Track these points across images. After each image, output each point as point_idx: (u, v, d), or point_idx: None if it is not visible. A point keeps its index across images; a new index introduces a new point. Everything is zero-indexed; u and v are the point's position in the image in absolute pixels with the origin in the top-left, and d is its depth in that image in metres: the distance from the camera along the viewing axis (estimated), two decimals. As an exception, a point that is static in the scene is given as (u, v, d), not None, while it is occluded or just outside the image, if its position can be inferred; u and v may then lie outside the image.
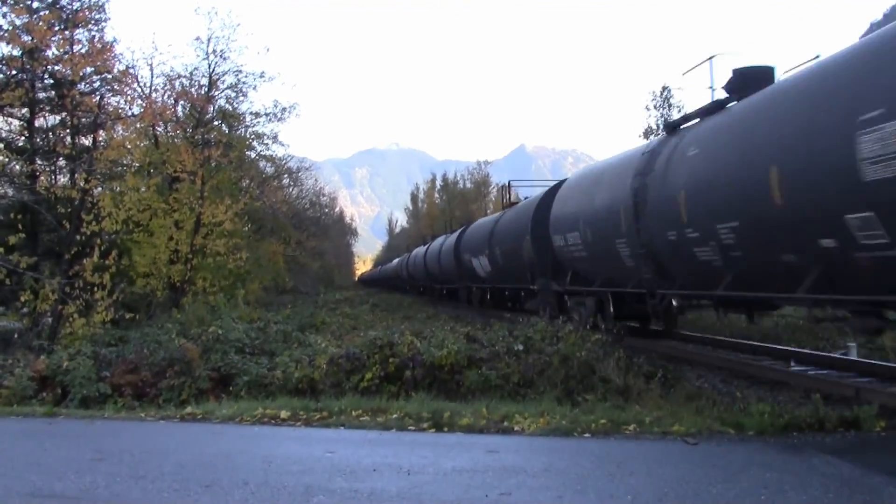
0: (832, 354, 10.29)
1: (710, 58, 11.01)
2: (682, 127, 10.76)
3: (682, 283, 10.21)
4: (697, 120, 10.29)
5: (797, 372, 9.23)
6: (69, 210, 15.24)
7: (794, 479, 4.68)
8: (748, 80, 9.18)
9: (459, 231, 28.59)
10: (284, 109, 26.07)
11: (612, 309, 12.77)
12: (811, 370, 9.32)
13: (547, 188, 17.40)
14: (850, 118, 6.20)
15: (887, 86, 5.96)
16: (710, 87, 10.77)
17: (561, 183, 16.24)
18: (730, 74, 9.60)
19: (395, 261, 65.29)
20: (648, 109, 29.60)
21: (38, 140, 20.20)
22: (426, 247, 38.31)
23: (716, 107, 9.77)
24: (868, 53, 6.68)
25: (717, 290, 9.01)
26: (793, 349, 11.02)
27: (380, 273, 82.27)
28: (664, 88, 29.43)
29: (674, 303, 11.17)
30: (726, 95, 9.62)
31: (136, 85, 21.38)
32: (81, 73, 17.35)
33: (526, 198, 24.15)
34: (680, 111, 29.11)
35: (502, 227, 20.13)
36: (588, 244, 12.75)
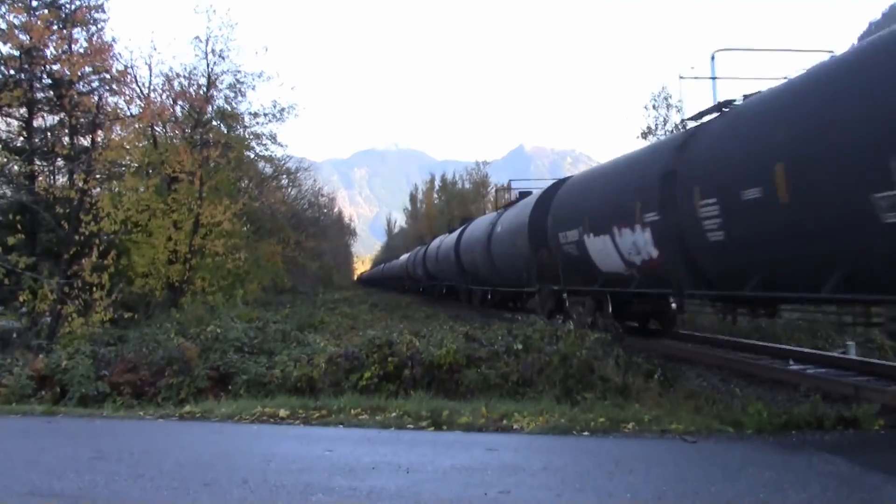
0: (831, 353, 10.30)
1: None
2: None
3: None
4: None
5: (796, 371, 9.24)
6: (68, 210, 15.24)
7: (792, 478, 4.68)
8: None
9: (539, 195, 16.70)
10: (283, 110, 26.06)
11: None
12: (810, 369, 9.34)
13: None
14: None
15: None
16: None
17: None
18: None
19: (404, 257, 54.89)
20: (647, 109, 29.57)
21: (36, 140, 20.19)
22: (458, 232, 27.42)
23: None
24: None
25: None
26: (791, 348, 11.03)
27: (382, 272, 78.42)
28: (663, 88, 29.43)
29: None
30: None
31: (134, 85, 21.40)
32: (80, 73, 17.34)
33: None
34: (679, 111, 29.12)
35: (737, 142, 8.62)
36: None
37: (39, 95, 20.08)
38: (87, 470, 5.31)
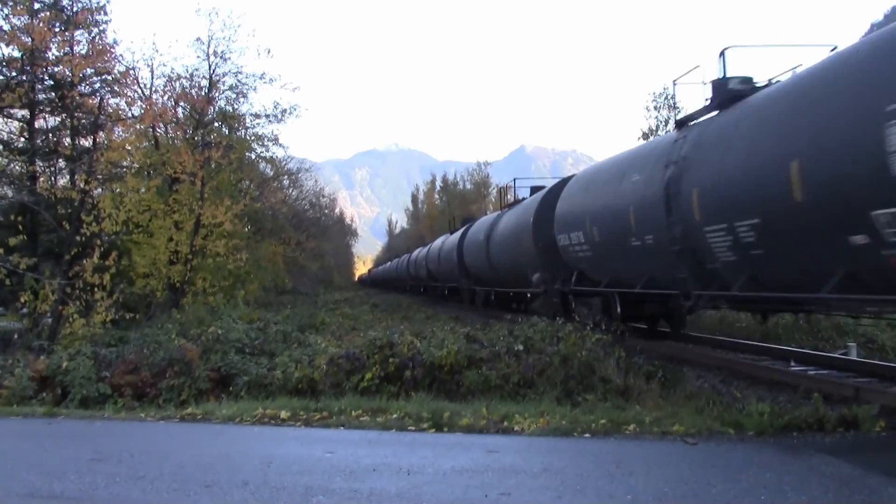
0: (832, 354, 10.28)
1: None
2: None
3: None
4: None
5: (797, 372, 9.23)
6: (69, 211, 15.26)
7: (793, 479, 4.68)
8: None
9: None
10: (285, 111, 26.04)
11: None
12: (811, 370, 9.32)
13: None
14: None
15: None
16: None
17: None
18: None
19: (422, 249, 42.53)
20: (649, 110, 29.52)
21: (38, 141, 20.21)
22: (540, 196, 17.02)
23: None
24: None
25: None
26: (792, 349, 11.01)
27: (387, 271, 70.06)
28: (665, 89, 29.36)
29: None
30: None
31: (136, 86, 21.41)
32: (81, 75, 17.36)
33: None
34: (679, 112, 29.09)
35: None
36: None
37: (41, 97, 20.10)
38: (88, 471, 5.32)
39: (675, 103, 28.52)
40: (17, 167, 20.09)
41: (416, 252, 45.82)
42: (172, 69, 24.06)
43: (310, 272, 49.15)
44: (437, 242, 34.84)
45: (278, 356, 10.55)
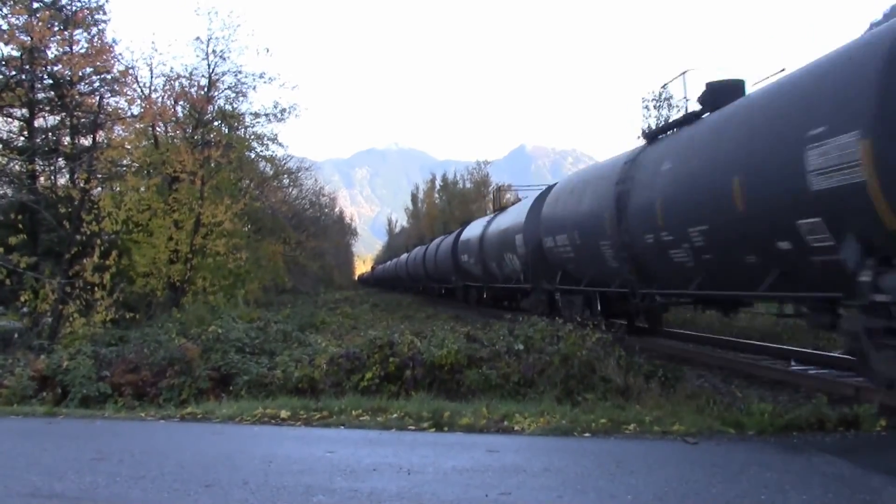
0: (832, 353, 10.29)
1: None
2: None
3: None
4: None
5: (797, 371, 9.24)
6: (69, 210, 15.24)
7: (794, 479, 4.67)
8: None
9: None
10: (284, 110, 26.03)
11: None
12: (811, 369, 9.33)
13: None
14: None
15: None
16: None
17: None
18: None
19: (465, 230, 28.25)
20: (648, 109, 29.51)
21: (37, 140, 20.21)
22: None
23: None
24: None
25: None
26: (793, 348, 11.02)
27: (399, 267, 58.47)
28: (664, 88, 29.39)
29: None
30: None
31: (135, 85, 21.42)
32: (81, 74, 17.36)
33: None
34: (679, 111, 29.13)
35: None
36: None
37: (41, 96, 20.10)
38: (88, 471, 5.32)
39: (670, 103, 28.58)
40: (16, 166, 20.08)
41: (469, 228, 27.72)
42: (172, 68, 24.13)
43: (310, 271, 49.15)
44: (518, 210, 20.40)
45: (278, 355, 10.54)
